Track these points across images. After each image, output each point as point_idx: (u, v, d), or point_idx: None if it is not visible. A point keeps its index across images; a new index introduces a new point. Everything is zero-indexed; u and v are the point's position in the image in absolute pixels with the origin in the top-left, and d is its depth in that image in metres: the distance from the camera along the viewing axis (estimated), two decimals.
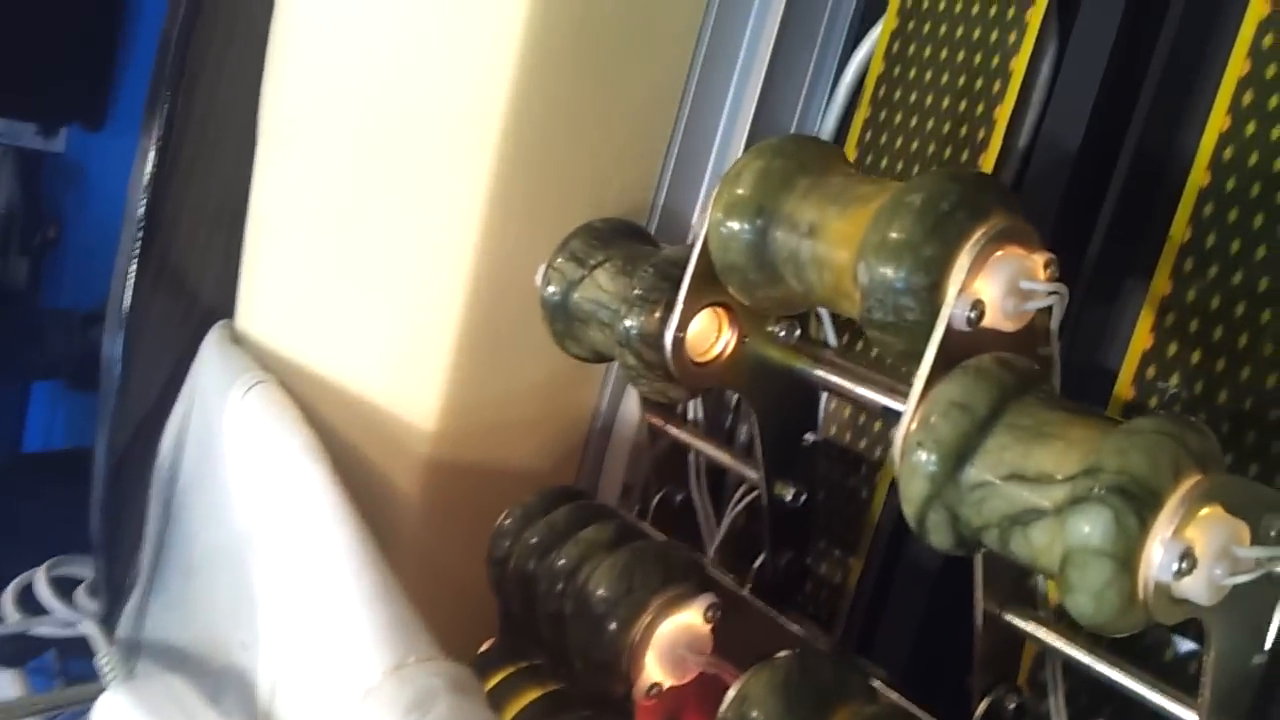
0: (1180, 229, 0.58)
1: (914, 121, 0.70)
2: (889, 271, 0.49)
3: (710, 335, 0.62)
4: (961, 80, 0.68)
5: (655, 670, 0.63)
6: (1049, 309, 0.51)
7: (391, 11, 0.77)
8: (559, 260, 0.66)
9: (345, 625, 0.64)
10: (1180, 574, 0.41)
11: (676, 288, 0.60)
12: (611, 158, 0.79)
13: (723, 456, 0.73)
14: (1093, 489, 0.42)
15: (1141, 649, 0.58)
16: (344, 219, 0.81)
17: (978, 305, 0.48)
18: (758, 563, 0.71)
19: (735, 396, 0.77)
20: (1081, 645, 0.55)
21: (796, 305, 0.58)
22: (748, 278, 0.56)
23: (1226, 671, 0.49)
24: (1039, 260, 0.50)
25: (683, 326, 0.60)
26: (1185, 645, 0.57)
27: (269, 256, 0.87)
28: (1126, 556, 0.42)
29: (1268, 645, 0.50)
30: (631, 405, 0.85)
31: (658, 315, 0.60)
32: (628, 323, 0.60)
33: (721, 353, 0.62)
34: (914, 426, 0.48)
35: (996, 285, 0.49)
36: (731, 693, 0.56)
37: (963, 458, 0.46)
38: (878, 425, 0.69)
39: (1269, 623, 0.50)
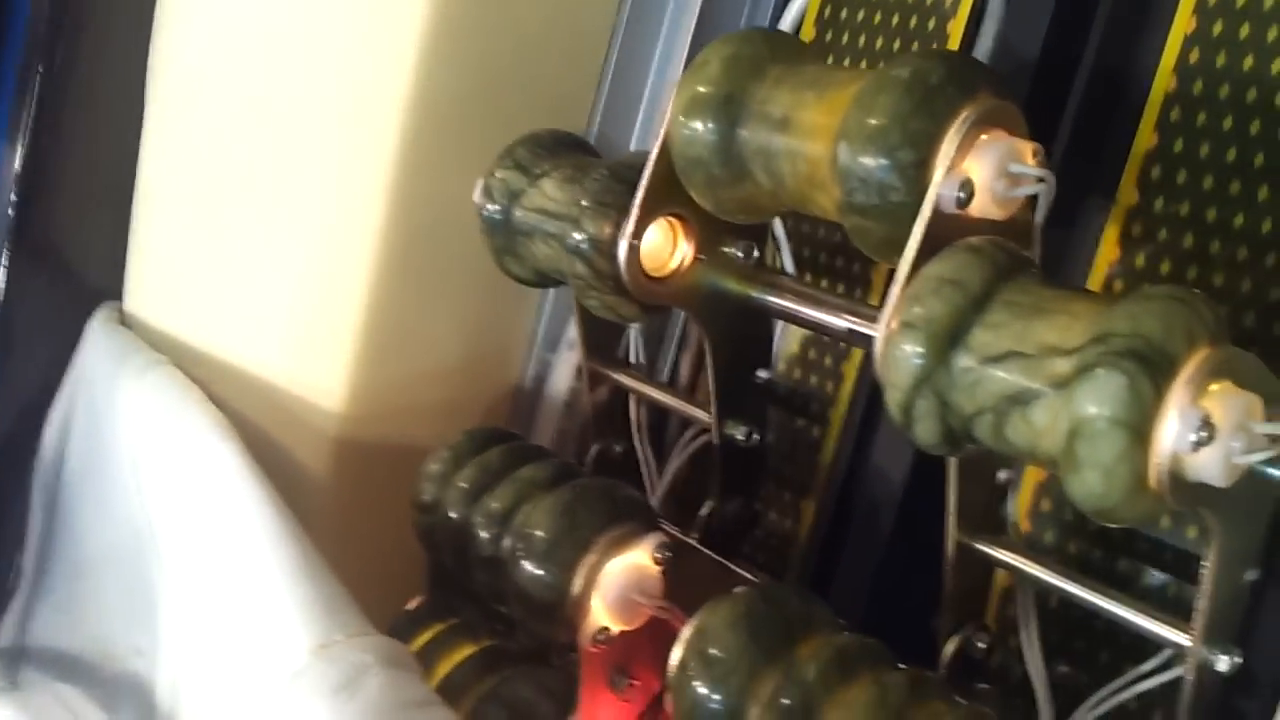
0: (1146, 136, 0.56)
1: (862, 41, 0.67)
2: (875, 148, 0.46)
3: (665, 249, 0.58)
4: None
5: (602, 614, 0.58)
6: (1032, 210, 0.49)
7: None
8: (501, 171, 0.62)
9: (266, 606, 0.60)
10: (1199, 445, 0.38)
11: (632, 192, 0.56)
12: (531, 107, 0.75)
13: (669, 399, 0.69)
14: (1103, 354, 0.39)
15: (1116, 578, 0.55)
16: (238, 190, 0.76)
17: (966, 185, 0.46)
18: (705, 510, 0.67)
19: (677, 340, 0.73)
20: (1058, 572, 0.53)
21: (762, 207, 0.54)
22: (712, 174, 0.53)
23: (1222, 586, 0.46)
24: (1026, 147, 0.47)
25: (638, 233, 0.56)
26: (1158, 576, 0.55)
27: (159, 233, 0.81)
28: (1140, 425, 0.39)
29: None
30: (561, 375, 0.81)
31: (612, 221, 0.56)
32: (579, 229, 0.56)
33: (677, 269, 0.58)
34: (901, 306, 0.44)
35: (985, 166, 0.46)
36: (687, 630, 0.52)
37: (955, 337, 0.43)
38: (828, 359, 0.65)
39: (1262, 533, 0.48)
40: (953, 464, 0.52)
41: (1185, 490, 0.40)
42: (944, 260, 0.44)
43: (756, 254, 0.60)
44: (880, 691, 0.47)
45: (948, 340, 0.43)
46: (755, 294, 0.61)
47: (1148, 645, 0.51)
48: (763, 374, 0.65)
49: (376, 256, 0.72)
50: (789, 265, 0.63)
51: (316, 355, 0.74)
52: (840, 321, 0.58)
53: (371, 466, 0.76)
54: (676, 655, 0.51)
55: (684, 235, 0.58)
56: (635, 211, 0.55)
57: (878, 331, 0.52)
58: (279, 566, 0.61)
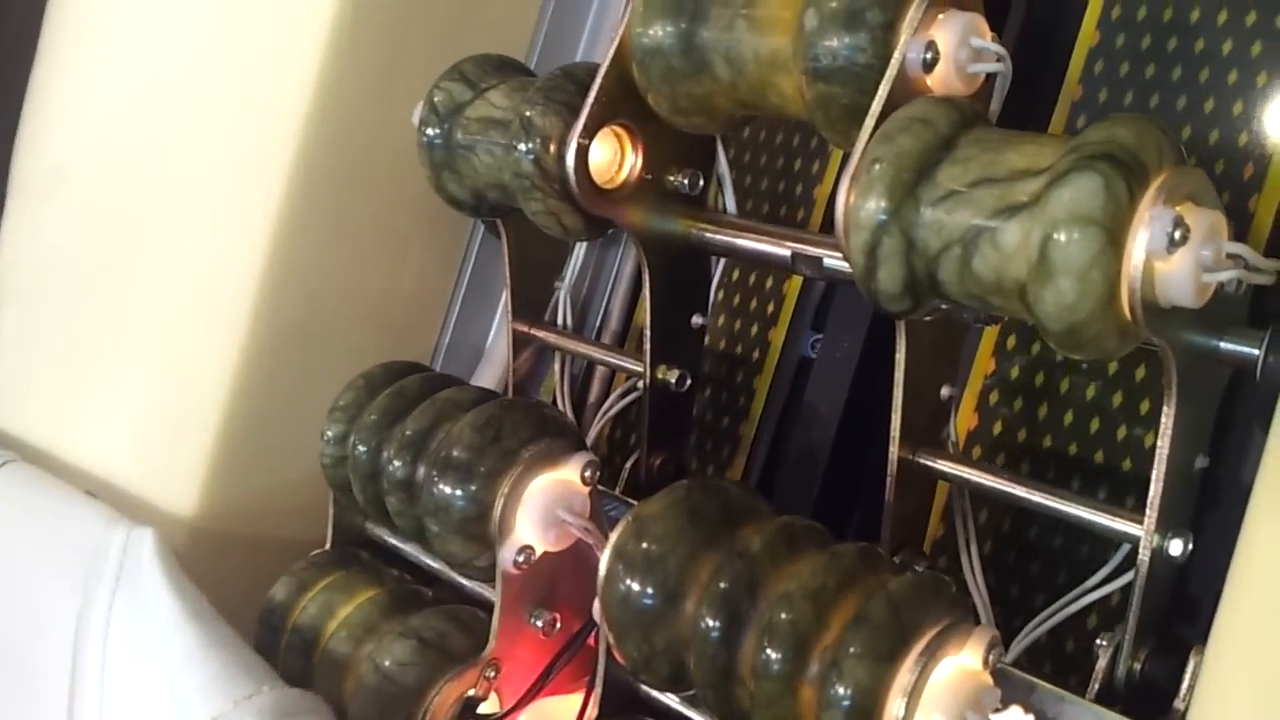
0: (1071, 87, 0.58)
1: None
2: (843, 10, 0.46)
3: (613, 161, 0.57)
4: None
5: (527, 531, 0.54)
6: (987, 102, 0.50)
7: (171, 56, 0.72)
8: (446, 83, 0.60)
9: (161, 692, 0.56)
10: (1172, 247, 0.38)
11: (584, 93, 0.55)
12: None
13: (598, 352, 0.66)
14: (1078, 159, 0.39)
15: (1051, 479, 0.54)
16: (97, 287, 0.73)
17: (932, 47, 0.46)
18: (630, 461, 0.64)
19: (605, 298, 0.72)
20: (1004, 478, 0.51)
21: (717, 108, 0.54)
22: (671, 65, 0.52)
23: (1174, 470, 0.45)
24: (985, 26, 0.48)
25: (588, 132, 0.55)
26: (1102, 483, 0.54)
27: (11, 330, 0.77)
28: (1115, 227, 0.38)
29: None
30: None
31: (562, 119, 0.55)
32: (528, 126, 0.55)
33: (624, 183, 0.57)
34: (867, 154, 0.44)
35: (949, 35, 0.47)
36: (623, 521, 0.48)
37: (923, 172, 0.43)
38: (770, 307, 0.64)
39: (1211, 418, 0.48)
40: (899, 376, 0.51)
41: (1153, 314, 0.40)
42: (912, 105, 0.44)
43: (702, 183, 0.59)
44: (830, 557, 0.44)
45: (916, 175, 0.43)
46: (697, 229, 0.60)
47: (1098, 562, 0.50)
48: (698, 319, 0.63)
49: (240, 356, 0.67)
50: (731, 205, 0.62)
51: (171, 461, 0.68)
52: (783, 249, 0.57)
53: (220, 574, 0.65)
54: (608, 549, 0.48)
55: (631, 147, 0.57)
56: (588, 109, 0.55)
57: (823, 250, 0.52)
58: (176, 646, 0.56)
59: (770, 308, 0.65)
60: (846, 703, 0.40)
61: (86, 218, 0.74)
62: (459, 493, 0.53)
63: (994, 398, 0.57)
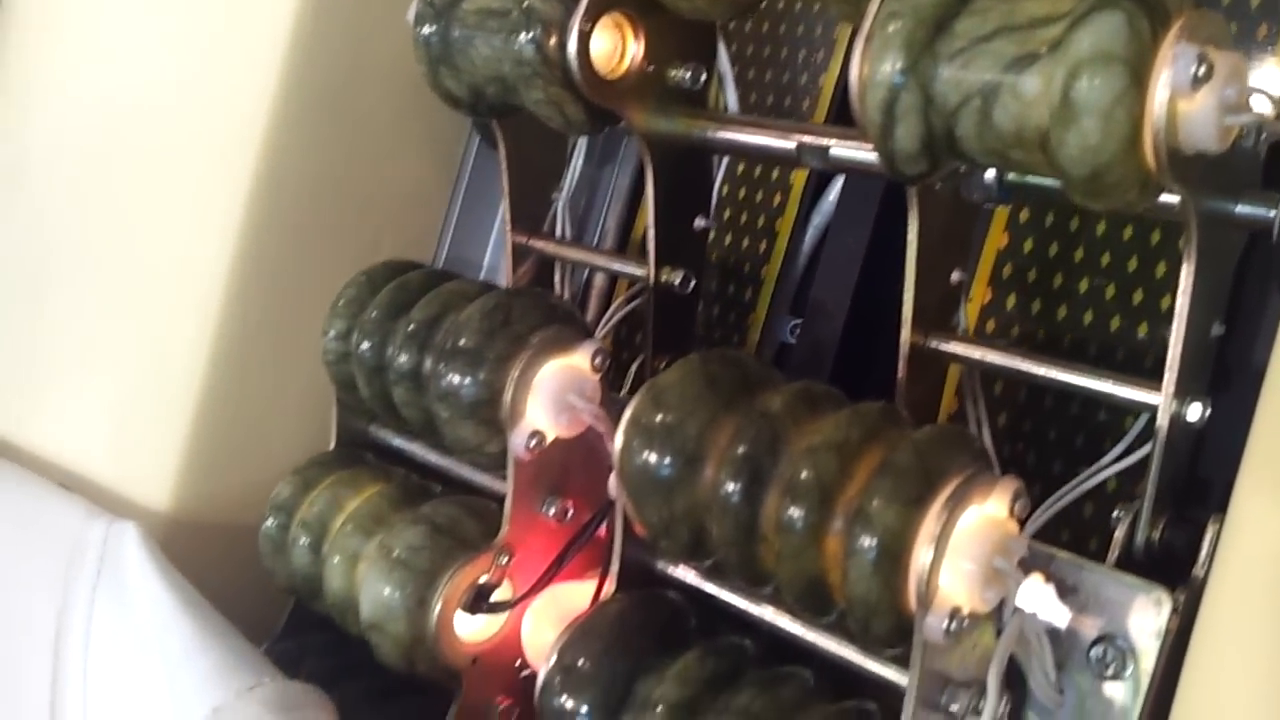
0: None
1: None
2: None
3: (615, 53, 0.57)
4: None
5: (538, 416, 0.54)
6: None
7: (134, 59, 0.71)
8: None
9: (161, 684, 0.56)
10: (1196, 83, 0.38)
11: None
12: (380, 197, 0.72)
13: (598, 259, 0.66)
14: (1098, 1, 0.39)
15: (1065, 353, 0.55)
16: (64, 277, 0.72)
17: None
18: (635, 364, 0.64)
19: (604, 207, 0.71)
20: (1014, 354, 0.52)
21: None
22: None
23: (1192, 334, 0.46)
24: None
25: (591, 17, 0.54)
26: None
27: None
28: (1138, 64, 0.38)
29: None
30: None
31: (562, 5, 0.54)
32: (530, 13, 0.54)
33: (626, 74, 0.57)
34: (885, 1, 0.44)
35: None
36: (639, 392, 0.48)
37: (941, 25, 0.43)
38: (771, 212, 0.64)
39: (1228, 284, 0.48)
40: (911, 257, 0.51)
41: (1175, 160, 0.40)
42: None
43: (704, 78, 0.59)
44: (853, 413, 0.44)
45: (933, 28, 0.43)
46: (699, 127, 0.60)
47: (1113, 435, 0.50)
48: (700, 222, 0.63)
49: (212, 347, 0.66)
50: (733, 103, 0.62)
51: (145, 452, 0.68)
52: (788, 141, 0.57)
53: (200, 566, 0.65)
54: (625, 417, 0.47)
55: (633, 35, 0.57)
56: None
57: (831, 140, 0.52)
58: (172, 638, 0.57)
59: (776, 199, 0.65)
60: (873, 551, 0.40)
61: (52, 207, 0.73)
62: (469, 378, 0.53)
63: (1006, 272, 0.57)
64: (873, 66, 0.43)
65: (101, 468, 0.68)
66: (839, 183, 0.64)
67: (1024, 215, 0.57)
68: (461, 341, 0.53)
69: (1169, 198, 0.44)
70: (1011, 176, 0.50)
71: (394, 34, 0.66)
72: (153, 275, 0.69)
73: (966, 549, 0.41)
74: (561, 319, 0.55)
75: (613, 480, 0.48)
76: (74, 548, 0.62)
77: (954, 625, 0.41)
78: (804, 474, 0.42)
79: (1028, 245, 0.56)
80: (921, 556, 0.41)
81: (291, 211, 0.67)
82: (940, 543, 0.41)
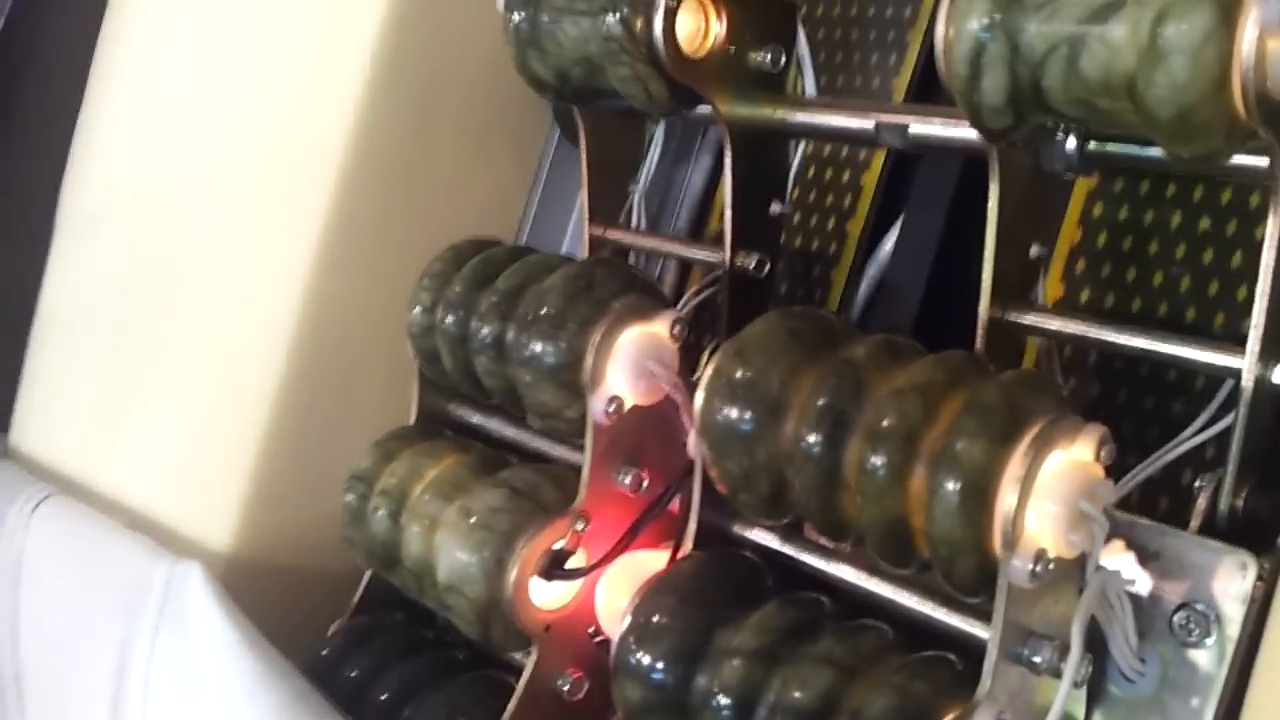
0: None
1: None
2: None
3: (698, 33, 0.58)
4: None
5: (617, 381, 0.54)
6: None
7: (213, 103, 0.74)
8: None
9: None
10: None
11: None
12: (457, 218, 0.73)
13: (675, 246, 0.67)
14: None
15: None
16: (140, 322, 0.74)
17: None
18: (710, 347, 0.64)
19: (679, 206, 0.72)
20: (1093, 323, 0.51)
21: None
22: None
23: (1277, 298, 0.45)
24: None
25: None
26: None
27: (54, 364, 0.79)
28: (1227, 2, 0.39)
29: None
30: None
31: None
32: None
33: (709, 53, 0.58)
34: None
35: None
36: (722, 348, 0.49)
37: None
38: (846, 201, 0.65)
39: None
40: (991, 227, 0.51)
41: (1264, 103, 0.40)
42: None
43: (784, 61, 0.60)
44: (937, 359, 0.44)
45: None
46: (779, 112, 0.61)
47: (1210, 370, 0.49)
48: (776, 207, 0.64)
49: (278, 396, 0.68)
50: (811, 87, 0.63)
51: (209, 494, 0.69)
52: (866, 121, 0.58)
53: (261, 607, 0.65)
54: (708, 370, 0.48)
55: (716, 15, 0.58)
56: None
57: (911, 118, 0.52)
58: (234, 676, 0.58)
59: (848, 200, 0.66)
60: (959, 488, 0.40)
61: (129, 253, 0.75)
62: (551, 343, 0.54)
63: (1085, 247, 0.57)
64: (959, 20, 0.44)
65: (166, 507, 0.69)
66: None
67: (1118, 185, 0.57)
68: (545, 306, 0.54)
69: (1257, 160, 0.45)
70: (1092, 145, 0.50)
71: (479, 34, 0.68)
72: (224, 316, 0.71)
73: (1052, 490, 0.41)
74: (641, 288, 0.56)
75: (691, 440, 0.49)
76: (137, 587, 0.63)
77: (1039, 568, 0.41)
78: (888, 417, 0.42)
79: (1115, 215, 0.56)
80: (1007, 496, 0.40)
81: (366, 259, 0.69)
82: (1026, 483, 0.40)
